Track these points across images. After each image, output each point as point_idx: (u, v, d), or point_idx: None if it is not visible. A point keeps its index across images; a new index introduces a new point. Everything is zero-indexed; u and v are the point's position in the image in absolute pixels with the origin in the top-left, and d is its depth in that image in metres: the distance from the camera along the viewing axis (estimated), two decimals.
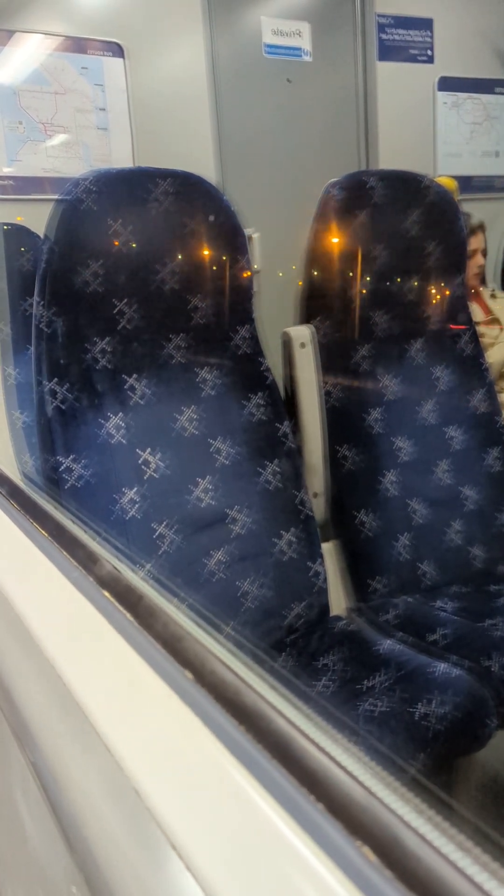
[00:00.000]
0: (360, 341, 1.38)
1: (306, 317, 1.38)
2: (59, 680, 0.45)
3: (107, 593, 0.51)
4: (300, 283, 1.40)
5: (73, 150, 2.28)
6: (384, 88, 2.72)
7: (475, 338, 1.50)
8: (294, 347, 1.35)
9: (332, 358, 1.36)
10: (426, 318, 1.45)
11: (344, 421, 1.36)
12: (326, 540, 1.33)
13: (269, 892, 0.28)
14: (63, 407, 1.08)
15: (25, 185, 2.24)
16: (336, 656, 1.14)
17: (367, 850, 0.26)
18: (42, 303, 1.09)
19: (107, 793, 0.38)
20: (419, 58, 2.80)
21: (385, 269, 1.39)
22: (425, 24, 2.79)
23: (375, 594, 1.31)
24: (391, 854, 0.26)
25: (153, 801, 0.34)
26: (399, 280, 1.41)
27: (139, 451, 1.12)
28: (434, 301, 1.45)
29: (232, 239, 1.22)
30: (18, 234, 1.66)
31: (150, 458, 1.13)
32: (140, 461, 1.12)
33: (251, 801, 0.31)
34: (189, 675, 0.40)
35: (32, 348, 1.11)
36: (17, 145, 2.22)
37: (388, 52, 2.73)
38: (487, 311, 2.12)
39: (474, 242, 2.11)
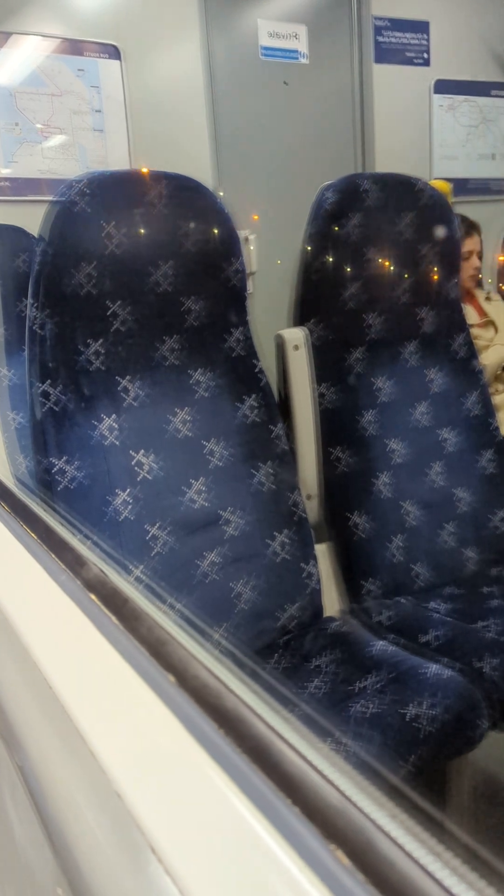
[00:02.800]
0: (353, 344, 1.39)
1: (300, 319, 1.38)
2: (45, 683, 0.45)
3: (93, 596, 0.51)
4: (293, 285, 1.40)
5: (70, 152, 2.28)
6: (380, 91, 2.73)
7: (469, 340, 1.50)
8: (288, 349, 1.35)
9: (326, 360, 1.37)
10: (420, 320, 1.45)
11: (337, 423, 1.36)
12: (320, 541, 1.33)
13: (245, 894, 0.28)
14: (56, 409, 1.08)
15: (22, 187, 2.25)
16: (329, 657, 1.14)
17: (340, 854, 0.27)
18: (36, 304, 1.09)
19: (90, 796, 0.39)
20: (415, 60, 2.81)
21: (379, 271, 1.39)
22: (422, 27, 2.79)
23: (369, 595, 1.32)
24: (364, 858, 0.26)
25: (134, 804, 0.34)
26: (393, 282, 1.41)
27: (132, 453, 1.13)
28: (428, 303, 1.45)
29: (226, 241, 1.22)
30: (14, 235, 1.66)
31: (144, 460, 1.13)
32: (133, 463, 1.12)
33: (230, 804, 0.32)
34: (172, 678, 0.40)
35: (26, 350, 1.12)
36: (14, 147, 2.22)
37: (385, 54, 2.73)
38: (482, 313, 2.12)
39: (470, 244, 2.11)
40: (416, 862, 0.26)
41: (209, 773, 0.34)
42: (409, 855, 0.26)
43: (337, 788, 0.29)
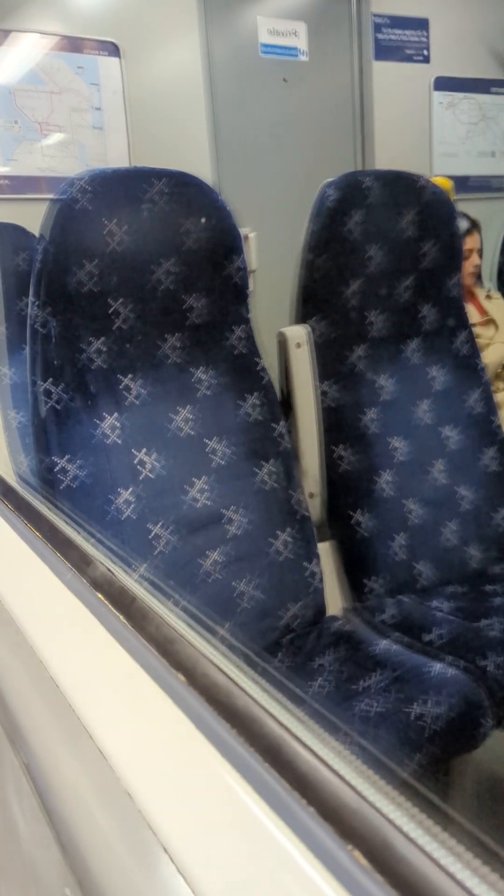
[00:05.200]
0: (355, 341, 1.38)
1: (302, 317, 1.38)
2: (52, 682, 0.45)
3: (100, 595, 0.51)
4: (295, 283, 1.39)
5: (69, 150, 2.27)
6: (380, 88, 2.72)
7: (471, 338, 1.50)
8: (290, 347, 1.35)
9: (328, 358, 1.36)
10: (422, 318, 1.45)
11: (340, 421, 1.36)
12: (322, 540, 1.33)
13: (261, 895, 0.28)
14: (58, 407, 1.08)
15: (21, 185, 2.24)
16: (332, 656, 1.14)
17: (357, 855, 0.26)
18: (37, 303, 1.09)
19: (99, 795, 0.38)
20: (415, 58, 2.80)
21: (380, 269, 1.39)
22: (421, 24, 2.79)
23: (371, 594, 1.31)
24: (382, 858, 0.26)
25: (145, 803, 0.34)
26: (394, 280, 1.41)
27: (134, 452, 1.12)
28: (430, 301, 1.45)
29: (227, 239, 1.22)
30: (14, 233, 1.66)
31: (146, 459, 1.13)
32: (135, 461, 1.12)
33: (243, 804, 0.31)
34: (181, 677, 0.39)
35: (27, 348, 1.11)
36: (13, 145, 2.21)
37: (384, 51, 2.73)
38: (483, 311, 2.12)
39: (470, 242, 2.11)
40: (434, 861, 0.25)
41: (221, 773, 0.33)
42: (427, 854, 0.26)
43: (353, 788, 0.29)
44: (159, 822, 0.32)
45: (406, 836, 0.27)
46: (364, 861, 0.26)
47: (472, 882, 0.24)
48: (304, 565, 1.23)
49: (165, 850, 0.31)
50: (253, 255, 2.30)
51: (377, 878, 0.25)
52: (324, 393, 1.35)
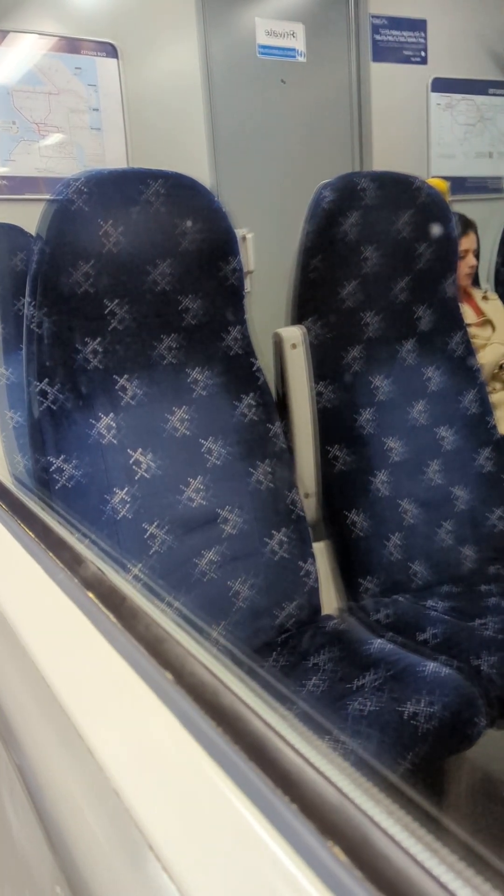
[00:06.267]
0: (351, 342, 1.39)
1: (298, 318, 1.38)
2: (43, 681, 0.45)
3: (91, 595, 0.51)
4: (291, 284, 1.40)
5: (67, 151, 2.28)
6: (378, 89, 2.73)
7: (466, 339, 1.50)
8: (285, 348, 1.35)
9: (324, 358, 1.37)
10: (417, 319, 1.45)
11: (335, 421, 1.36)
12: (318, 540, 1.33)
13: (243, 891, 0.28)
14: (54, 407, 1.08)
15: (19, 185, 2.24)
16: (326, 655, 1.14)
17: (337, 851, 0.27)
18: (33, 303, 1.09)
19: (88, 794, 0.39)
20: (413, 59, 2.81)
21: (376, 270, 1.39)
22: (419, 26, 2.80)
23: (366, 594, 1.32)
24: (361, 854, 0.26)
25: (132, 802, 0.34)
26: (390, 281, 1.41)
27: (130, 452, 1.13)
28: (425, 302, 1.45)
29: (223, 240, 1.22)
30: (11, 233, 1.66)
31: (142, 459, 1.13)
32: (131, 461, 1.12)
33: (227, 802, 0.32)
34: (169, 676, 0.40)
35: (24, 349, 1.11)
36: (11, 145, 2.22)
37: (382, 53, 2.74)
38: (479, 312, 2.12)
39: (466, 243, 2.11)
40: (412, 858, 0.26)
41: (207, 771, 0.34)
42: (405, 851, 0.26)
43: (334, 785, 0.30)
44: (145, 820, 0.33)
45: (385, 832, 0.27)
46: (343, 857, 0.26)
47: (447, 877, 0.25)
48: (300, 565, 1.23)
49: (151, 847, 0.32)
50: (250, 256, 2.30)
51: (356, 874, 0.26)
52: (319, 393, 1.36)
